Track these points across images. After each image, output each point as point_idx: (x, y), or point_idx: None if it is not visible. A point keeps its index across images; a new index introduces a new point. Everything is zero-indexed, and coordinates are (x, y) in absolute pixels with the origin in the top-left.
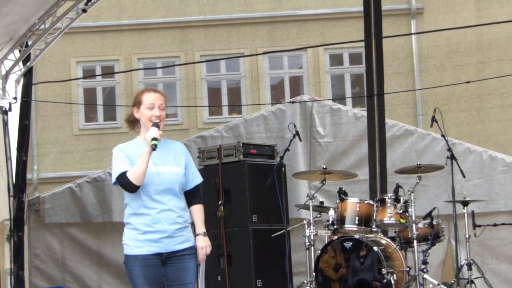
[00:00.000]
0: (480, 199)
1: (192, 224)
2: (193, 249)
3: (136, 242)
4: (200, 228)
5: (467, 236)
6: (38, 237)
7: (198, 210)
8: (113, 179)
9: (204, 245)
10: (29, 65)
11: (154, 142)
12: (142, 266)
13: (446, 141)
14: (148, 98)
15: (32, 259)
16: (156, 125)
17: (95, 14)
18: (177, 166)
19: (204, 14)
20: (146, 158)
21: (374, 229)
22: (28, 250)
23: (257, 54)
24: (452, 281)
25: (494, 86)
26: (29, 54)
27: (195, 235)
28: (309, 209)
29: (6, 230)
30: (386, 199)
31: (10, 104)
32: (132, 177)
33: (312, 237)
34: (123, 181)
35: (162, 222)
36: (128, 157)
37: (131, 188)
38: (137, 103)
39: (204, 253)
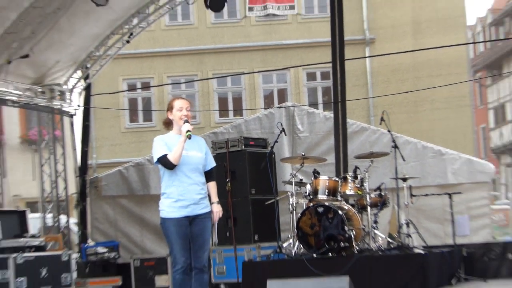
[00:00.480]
0: (415, 177)
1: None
2: (210, 213)
3: (171, 208)
4: (214, 198)
5: (406, 203)
6: (97, 206)
7: (212, 185)
8: (155, 159)
9: (217, 210)
10: (88, 81)
11: (189, 133)
12: (175, 225)
13: (391, 135)
14: (178, 103)
15: (93, 221)
16: (187, 121)
17: (135, 44)
18: (200, 153)
19: (214, 44)
20: (182, 145)
21: (339, 198)
22: (90, 215)
23: (253, 72)
24: (395, 235)
25: (426, 95)
26: (88, 74)
27: (211, 203)
28: (292, 184)
29: (74, 201)
30: (348, 177)
31: (75, 110)
32: (172, 158)
33: (294, 205)
34: (164, 161)
35: (191, 192)
36: (166, 144)
37: (171, 166)
38: (170, 108)
39: (217, 216)
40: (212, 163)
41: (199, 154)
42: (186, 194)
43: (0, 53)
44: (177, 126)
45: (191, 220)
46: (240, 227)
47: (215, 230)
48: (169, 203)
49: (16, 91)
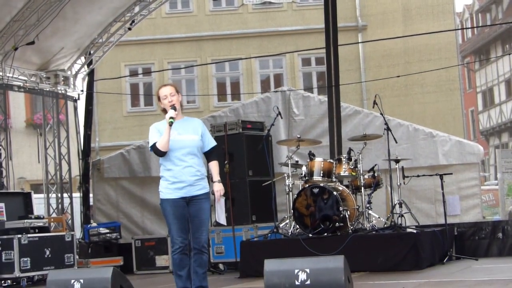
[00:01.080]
0: (407, 158)
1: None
2: (207, 194)
3: (167, 190)
4: (216, 177)
5: (398, 184)
6: (99, 187)
7: (214, 165)
8: (149, 147)
9: (218, 189)
10: (91, 67)
11: (171, 120)
12: (172, 206)
13: (384, 118)
14: (162, 92)
15: (95, 202)
16: (174, 107)
17: (137, 31)
18: (195, 135)
19: (213, 31)
20: (167, 132)
21: (334, 179)
22: (93, 196)
23: (250, 58)
24: (388, 215)
25: (416, 79)
26: (91, 60)
27: (213, 182)
28: (288, 166)
29: (77, 183)
30: (342, 158)
31: (78, 95)
32: (160, 145)
33: (290, 186)
34: (154, 149)
35: (185, 174)
36: (159, 131)
37: (160, 153)
38: (157, 98)
39: (219, 195)
40: (211, 143)
41: (193, 137)
42: (180, 176)
43: (7, 40)
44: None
45: (188, 201)
46: (238, 208)
47: (222, 207)
48: (166, 185)
49: (22, 77)
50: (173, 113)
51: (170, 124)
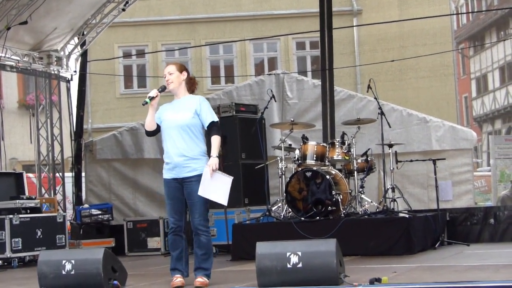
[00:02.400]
0: (401, 143)
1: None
2: (199, 176)
3: (164, 170)
4: (212, 152)
5: (391, 168)
6: (91, 169)
7: (212, 140)
8: None
9: (210, 163)
10: (84, 48)
11: (146, 100)
12: (166, 187)
13: (378, 102)
14: (164, 71)
15: (88, 184)
16: (162, 87)
17: (131, 12)
18: (187, 112)
19: (207, 13)
20: (149, 112)
21: (327, 163)
22: (85, 177)
23: (244, 40)
24: (381, 200)
25: (411, 64)
26: (85, 41)
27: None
28: (281, 149)
29: (70, 164)
30: (335, 142)
31: (71, 75)
32: (145, 125)
33: (283, 169)
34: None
35: (172, 155)
36: (159, 113)
37: (147, 133)
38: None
39: (209, 169)
40: (208, 119)
41: (185, 115)
42: (170, 157)
43: None
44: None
45: (181, 183)
46: (230, 191)
47: (209, 183)
48: (164, 165)
49: (15, 57)
50: (154, 92)
51: (144, 104)
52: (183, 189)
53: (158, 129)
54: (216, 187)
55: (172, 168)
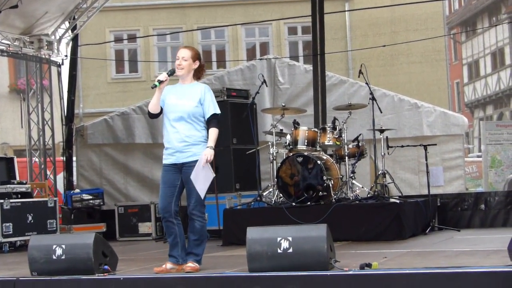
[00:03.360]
0: (392, 128)
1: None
2: (197, 162)
3: (164, 155)
4: (209, 143)
5: (383, 154)
6: (83, 153)
7: (210, 132)
8: None
9: (206, 153)
10: (75, 32)
11: (155, 83)
12: (163, 171)
13: (369, 87)
14: (177, 53)
15: (79, 168)
16: (171, 71)
17: None
18: (191, 101)
19: None
20: (155, 94)
21: (318, 148)
22: (76, 162)
23: (236, 24)
24: (372, 185)
25: (402, 49)
26: (76, 25)
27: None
28: (272, 134)
29: (61, 149)
30: (327, 128)
31: (62, 60)
32: (149, 106)
33: (274, 154)
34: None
35: (173, 140)
36: (163, 95)
37: (150, 115)
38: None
39: (204, 159)
40: (210, 111)
41: (188, 103)
42: (171, 142)
43: None
44: None
45: (180, 168)
46: (221, 176)
47: (199, 174)
48: (164, 150)
49: (5, 41)
50: (164, 76)
51: (152, 87)
52: (181, 174)
53: (161, 112)
54: (203, 178)
55: (173, 153)
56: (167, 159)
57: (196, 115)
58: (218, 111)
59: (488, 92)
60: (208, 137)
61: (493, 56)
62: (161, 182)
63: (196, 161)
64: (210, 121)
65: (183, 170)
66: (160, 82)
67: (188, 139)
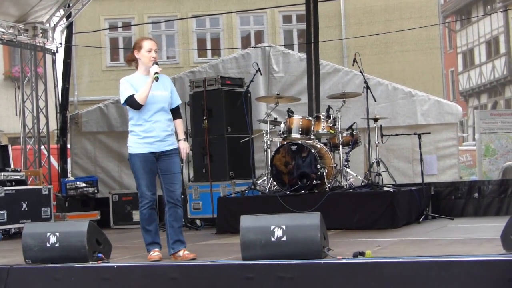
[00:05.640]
0: (386, 117)
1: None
2: (177, 150)
3: (137, 144)
4: (181, 135)
5: (376, 142)
6: (77, 141)
7: (179, 123)
8: (122, 101)
9: (184, 146)
10: (70, 20)
11: (157, 75)
12: (142, 161)
13: (363, 76)
14: (147, 45)
15: (73, 156)
16: (156, 63)
17: None
18: (165, 91)
19: None
20: (149, 86)
21: (312, 137)
22: (70, 150)
23: (230, 12)
24: (366, 174)
25: (396, 37)
26: (70, 13)
27: (178, 140)
28: (267, 123)
29: (55, 136)
30: (321, 116)
31: (57, 47)
32: (139, 98)
33: (268, 143)
34: (130, 101)
35: (156, 130)
36: (132, 85)
37: (137, 106)
38: (138, 47)
39: (185, 153)
40: (177, 101)
41: (164, 93)
42: (151, 132)
43: None
44: (144, 66)
45: (157, 157)
46: (215, 164)
47: (186, 166)
48: (136, 140)
49: (0, 29)
50: (158, 68)
51: (156, 79)
52: (158, 163)
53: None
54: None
55: (153, 142)
56: (145, 148)
57: (169, 105)
58: (181, 101)
59: (483, 81)
60: None
61: (487, 44)
62: (142, 172)
63: (174, 149)
64: (177, 111)
65: (161, 158)
66: (157, 73)
67: (168, 128)
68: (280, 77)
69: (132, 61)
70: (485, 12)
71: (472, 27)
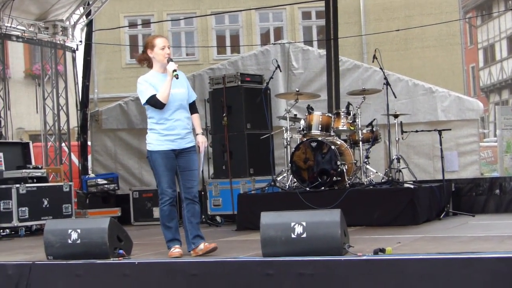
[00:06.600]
0: (406, 113)
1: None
2: (195, 147)
3: (158, 142)
4: (199, 129)
5: (397, 139)
6: (97, 139)
7: (196, 117)
8: (143, 101)
9: (203, 140)
10: (90, 18)
11: (176, 72)
12: (163, 158)
13: (383, 72)
14: (160, 42)
15: (93, 153)
16: (171, 59)
17: None
18: (183, 88)
19: None
20: (169, 84)
21: (332, 133)
22: (91, 147)
23: (250, 9)
24: (386, 170)
25: (417, 33)
26: (90, 10)
27: (196, 134)
28: (286, 120)
29: (76, 134)
30: (341, 113)
31: (77, 45)
32: (161, 97)
33: (288, 139)
34: (154, 101)
35: (177, 128)
36: (151, 85)
37: (161, 105)
38: (151, 46)
39: (203, 147)
40: (193, 96)
41: (182, 90)
42: (173, 130)
43: None
44: (159, 64)
45: (177, 154)
46: (235, 161)
47: (202, 159)
48: (157, 137)
49: (20, 27)
50: (175, 65)
51: (176, 77)
52: (177, 160)
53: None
54: (202, 162)
55: (174, 139)
56: (166, 145)
57: (187, 101)
58: (196, 96)
59: (504, 77)
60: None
61: (509, 40)
62: (163, 169)
63: (192, 146)
64: (194, 106)
65: (181, 155)
66: (176, 70)
67: (188, 126)
68: (300, 73)
69: (144, 61)
70: (506, 7)
71: (493, 22)
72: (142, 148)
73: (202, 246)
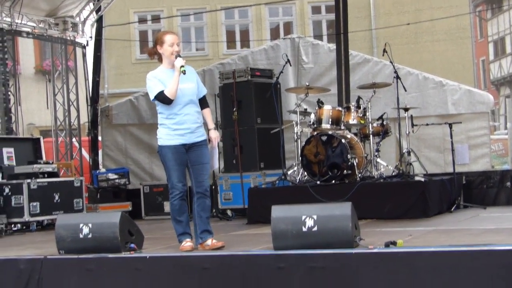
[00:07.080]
0: (416, 107)
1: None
2: (206, 141)
3: (168, 136)
4: (211, 124)
5: (407, 132)
6: (108, 134)
7: (207, 112)
8: (152, 97)
9: (215, 135)
10: (100, 14)
11: (183, 68)
12: (173, 152)
13: (393, 66)
14: (170, 38)
15: (104, 148)
16: (179, 55)
17: None
18: (192, 83)
19: None
20: (177, 80)
21: (342, 127)
22: (101, 142)
23: (259, 4)
24: (397, 163)
25: (426, 27)
26: (100, 6)
27: (208, 129)
28: (296, 114)
29: (86, 129)
30: (351, 107)
31: (87, 41)
32: (169, 93)
33: (299, 133)
34: (162, 97)
35: (187, 122)
36: (159, 80)
37: (169, 101)
38: (160, 42)
39: (216, 142)
40: (203, 91)
41: (191, 85)
42: (183, 124)
43: None
44: (168, 60)
45: (188, 148)
46: (246, 155)
47: (216, 154)
48: (167, 132)
49: (31, 23)
50: (183, 61)
51: (184, 72)
52: (188, 154)
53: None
54: (216, 157)
55: (184, 134)
56: (177, 139)
57: (197, 96)
58: (206, 91)
59: None
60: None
61: None
62: (173, 163)
63: (203, 140)
64: (204, 101)
65: (191, 150)
66: (183, 66)
67: (198, 120)
68: (310, 68)
69: (154, 54)
70: None
71: (503, 15)
72: (152, 143)
73: (209, 242)
